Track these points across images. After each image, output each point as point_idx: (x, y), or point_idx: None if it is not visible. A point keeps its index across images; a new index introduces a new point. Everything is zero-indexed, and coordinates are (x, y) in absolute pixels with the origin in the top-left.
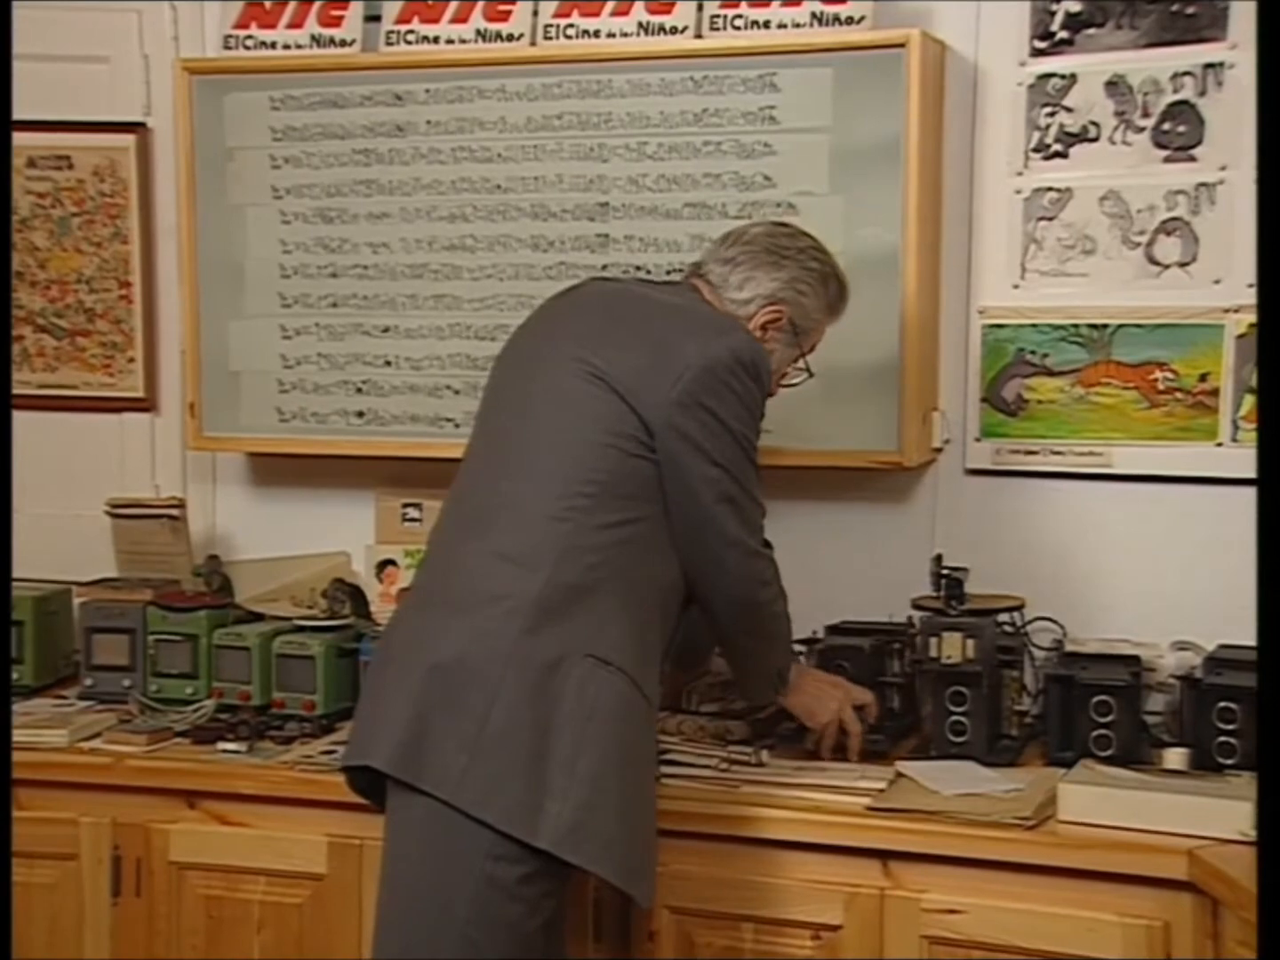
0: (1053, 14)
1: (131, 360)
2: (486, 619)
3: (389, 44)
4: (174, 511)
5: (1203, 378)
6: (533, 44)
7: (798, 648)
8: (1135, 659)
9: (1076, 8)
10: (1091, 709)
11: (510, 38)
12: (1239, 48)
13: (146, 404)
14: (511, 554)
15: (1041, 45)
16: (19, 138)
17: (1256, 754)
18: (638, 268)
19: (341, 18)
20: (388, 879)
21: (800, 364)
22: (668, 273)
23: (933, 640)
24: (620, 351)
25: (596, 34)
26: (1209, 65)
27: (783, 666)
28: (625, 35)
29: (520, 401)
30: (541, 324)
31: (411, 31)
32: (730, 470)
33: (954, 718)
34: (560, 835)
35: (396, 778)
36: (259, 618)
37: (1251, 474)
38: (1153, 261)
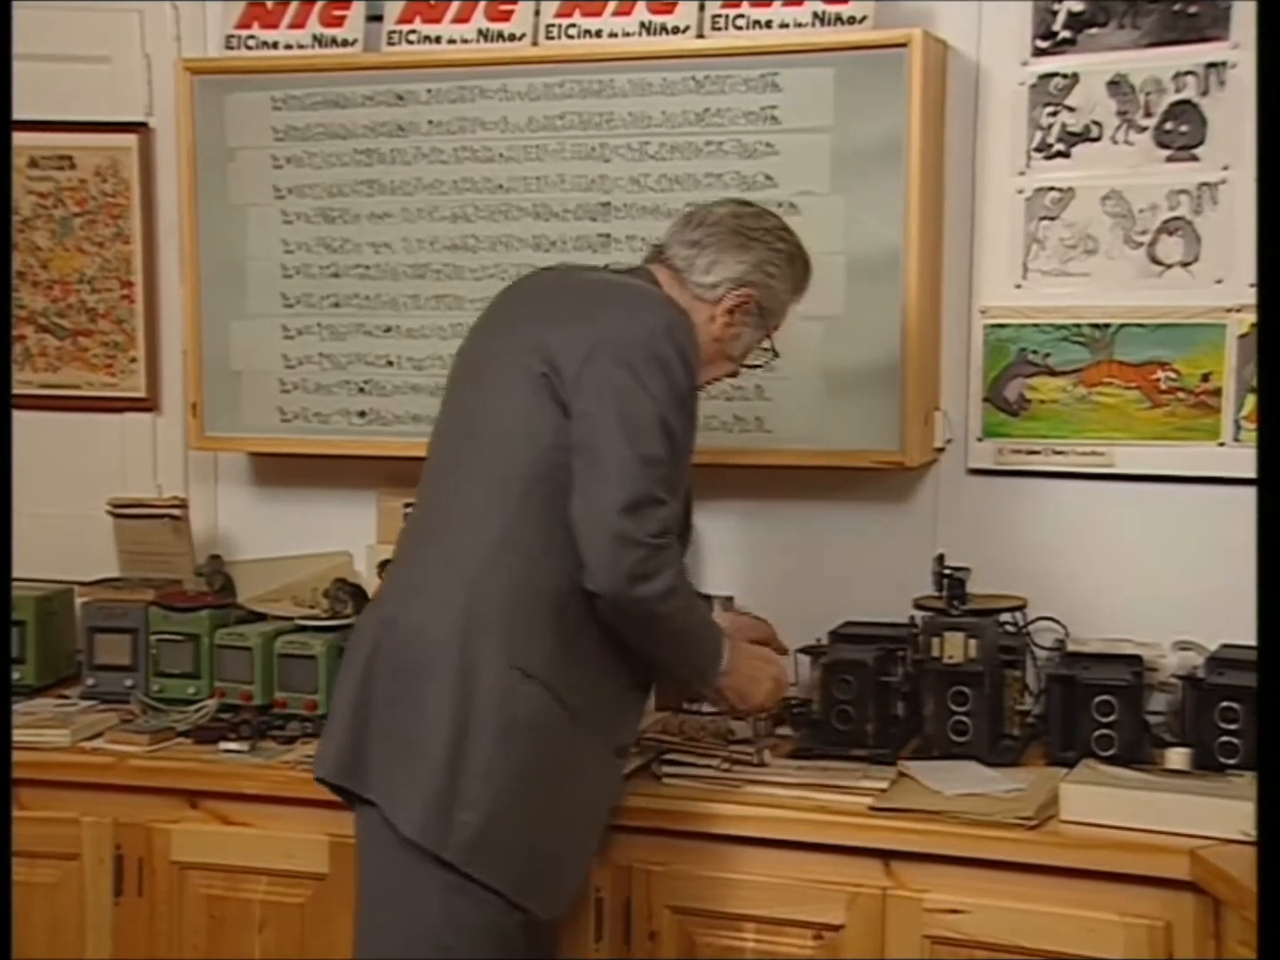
0: (1055, 13)
1: (133, 360)
2: (421, 623)
3: (390, 44)
4: (176, 511)
5: (1205, 377)
6: (534, 44)
7: (802, 656)
8: (1137, 659)
9: (1078, 7)
10: (1093, 709)
11: (512, 37)
12: (1241, 47)
13: (148, 404)
14: (452, 561)
15: (1043, 45)
16: (21, 138)
17: (1256, 754)
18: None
19: (343, 18)
20: (359, 887)
21: (765, 344)
22: None
23: (935, 640)
24: (562, 346)
25: (598, 34)
26: (1211, 65)
27: (696, 671)
28: (627, 35)
29: (468, 414)
30: (490, 323)
31: (413, 31)
32: (633, 443)
33: (956, 717)
34: (465, 849)
35: (343, 786)
36: (261, 617)
37: (1254, 474)
38: (1155, 261)
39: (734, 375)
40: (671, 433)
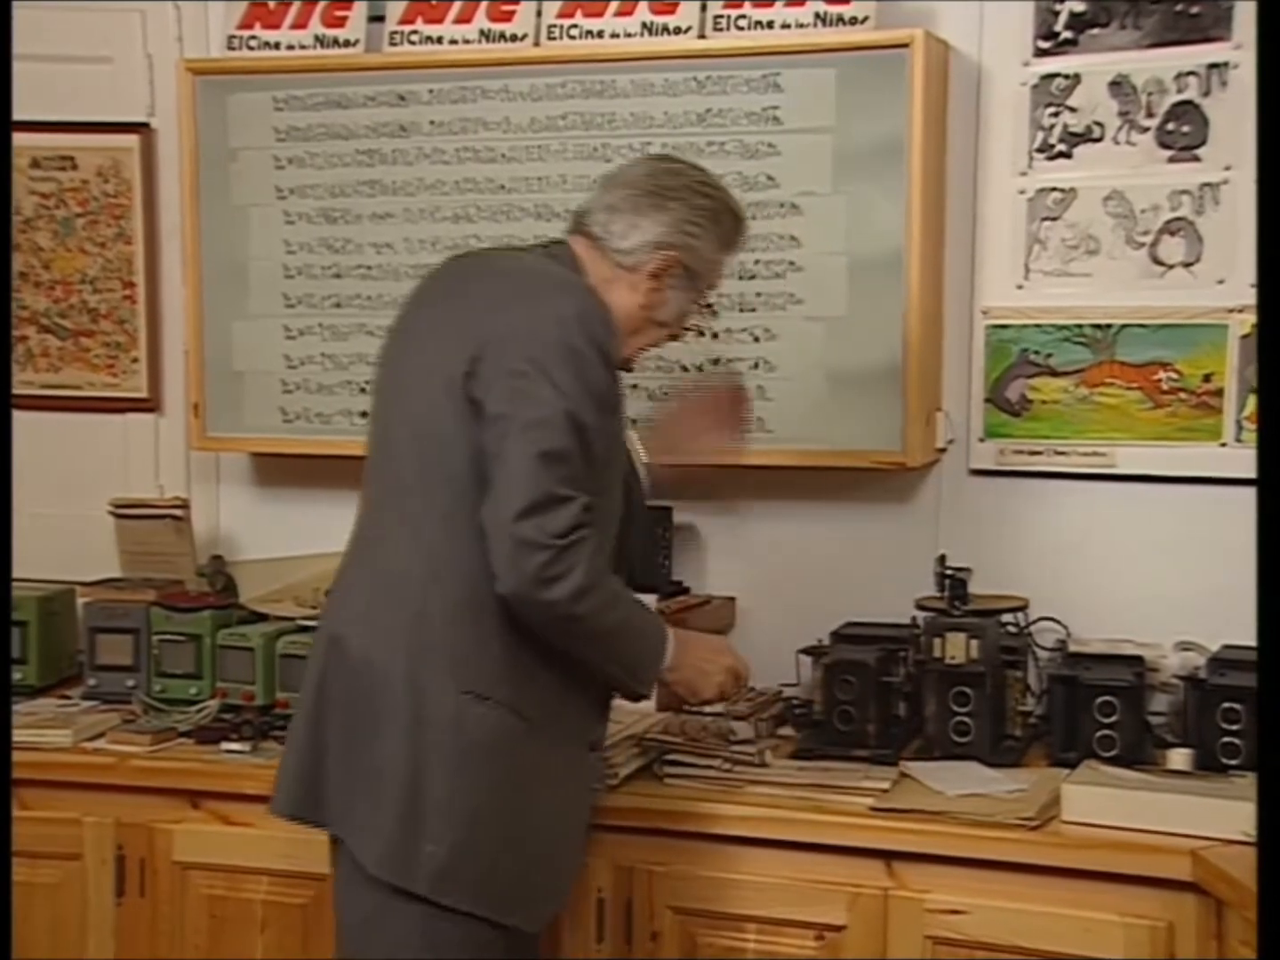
0: (1056, 14)
1: (135, 361)
2: (367, 648)
3: (392, 44)
4: (178, 512)
5: (1207, 378)
6: (536, 44)
7: (804, 656)
8: (1139, 659)
9: (1080, 7)
10: (1095, 709)
11: (514, 38)
12: (1243, 48)
13: (150, 404)
14: (393, 579)
15: (1045, 45)
16: (23, 138)
17: (1256, 754)
18: None
19: (345, 18)
20: (338, 921)
21: (701, 305)
22: None
23: (936, 640)
24: (477, 345)
25: (600, 34)
26: (1213, 65)
27: (630, 671)
28: (629, 36)
29: (399, 422)
30: (409, 322)
31: (415, 32)
32: (534, 442)
33: (958, 718)
34: (435, 879)
35: (302, 819)
36: (262, 618)
37: (1256, 474)
38: (1156, 261)
39: (674, 339)
40: (582, 427)
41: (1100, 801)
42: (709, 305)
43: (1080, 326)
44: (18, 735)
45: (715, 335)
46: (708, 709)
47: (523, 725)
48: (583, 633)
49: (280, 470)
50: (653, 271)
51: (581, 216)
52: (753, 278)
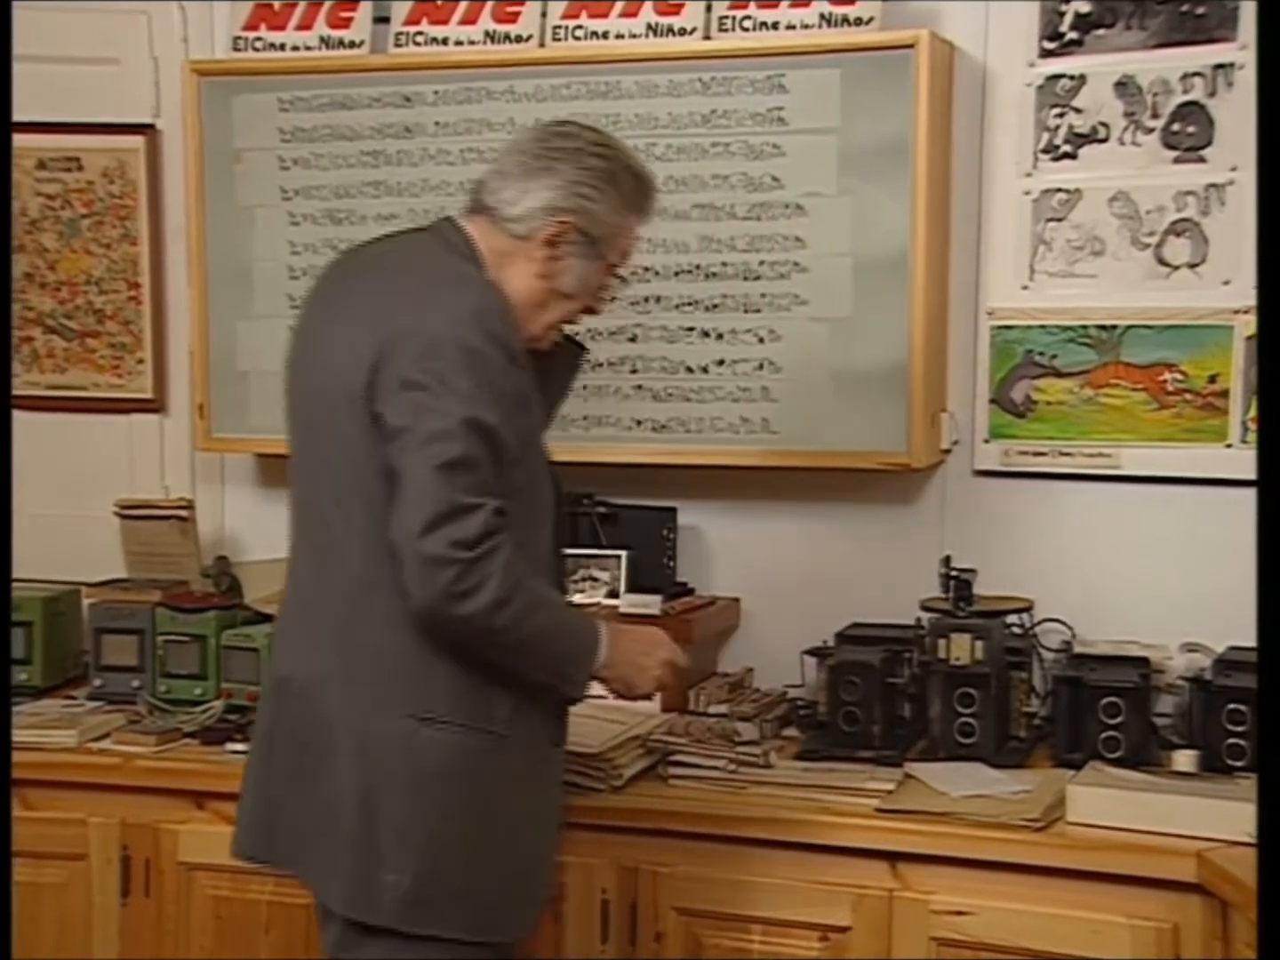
0: (1062, 14)
1: (140, 361)
2: (307, 685)
3: (398, 45)
4: (182, 512)
5: (1212, 379)
6: (541, 45)
7: (809, 657)
8: (1144, 661)
9: (1086, 8)
10: (1100, 711)
11: (519, 39)
12: (1249, 48)
13: (155, 405)
14: (323, 610)
15: (1050, 46)
16: (29, 139)
17: (1257, 754)
18: (645, 268)
19: (350, 19)
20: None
21: (610, 275)
22: (676, 274)
23: (941, 642)
24: (374, 356)
25: (605, 35)
26: (1219, 66)
27: (561, 676)
28: (634, 36)
29: (311, 442)
30: (309, 329)
31: (420, 33)
32: (432, 456)
33: (962, 719)
34: (401, 908)
35: (262, 861)
36: (267, 618)
37: None
38: (1162, 263)
39: (591, 312)
40: (487, 430)
41: (1105, 803)
42: (619, 274)
43: (1085, 327)
44: (23, 736)
45: (720, 336)
46: (711, 712)
47: (485, 741)
48: (505, 644)
49: (285, 471)
50: (547, 239)
51: (476, 190)
52: (758, 278)
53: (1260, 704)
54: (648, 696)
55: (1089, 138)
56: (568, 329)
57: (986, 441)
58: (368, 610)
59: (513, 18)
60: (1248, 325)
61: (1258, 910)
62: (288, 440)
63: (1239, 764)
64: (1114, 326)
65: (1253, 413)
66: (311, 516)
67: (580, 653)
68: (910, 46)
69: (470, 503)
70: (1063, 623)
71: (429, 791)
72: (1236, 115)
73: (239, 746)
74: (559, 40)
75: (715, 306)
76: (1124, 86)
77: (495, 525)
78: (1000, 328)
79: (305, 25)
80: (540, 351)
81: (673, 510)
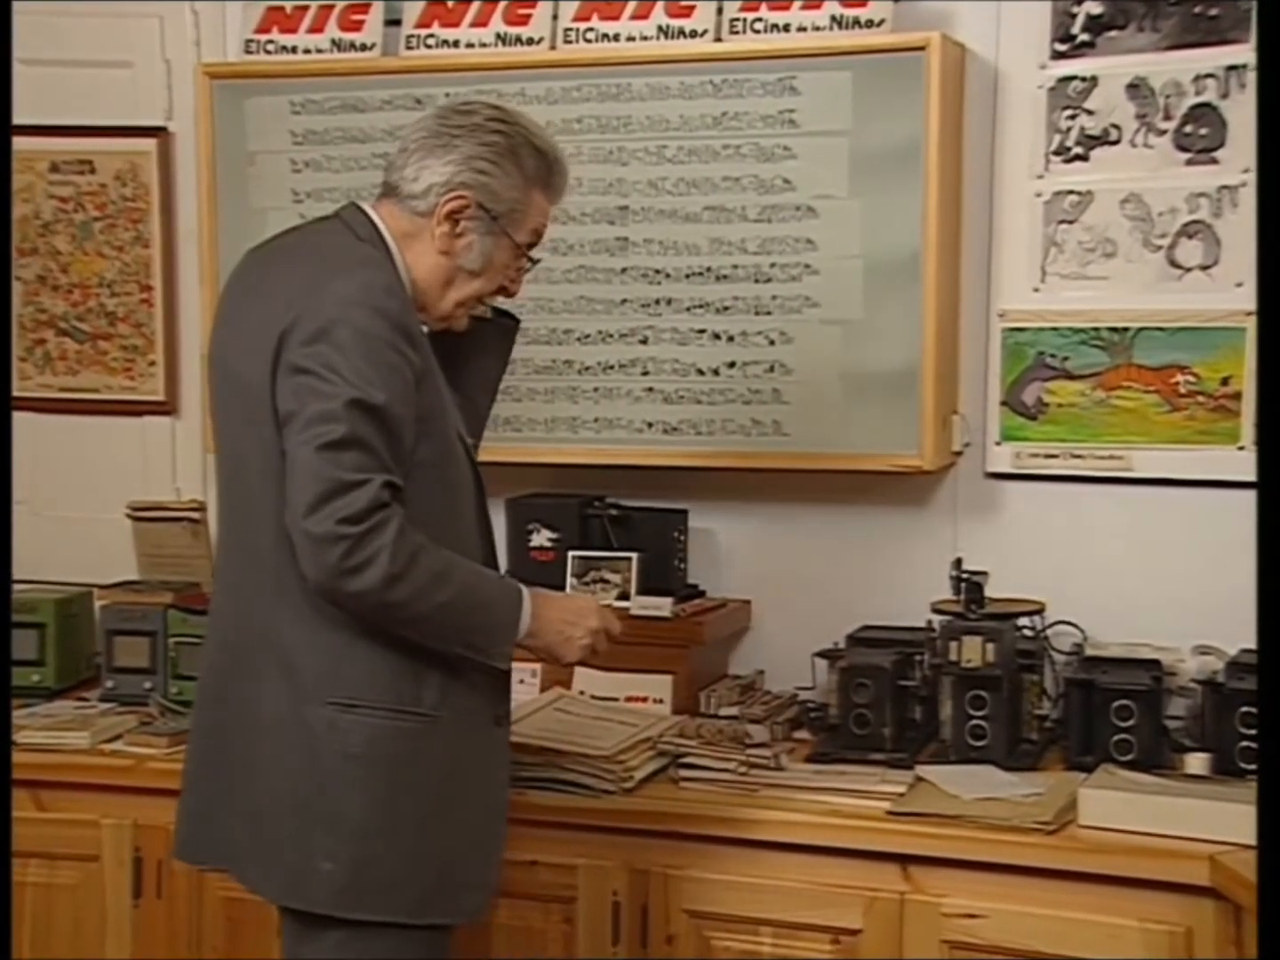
0: (1074, 16)
1: (152, 363)
2: (234, 672)
3: (409, 48)
4: (194, 514)
5: (1224, 381)
6: (552, 48)
7: (820, 660)
8: (1156, 663)
9: (1097, 10)
10: (1112, 713)
11: (530, 41)
12: None
13: (167, 407)
14: (243, 598)
15: (1062, 48)
16: (42, 142)
17: (1258, 754)
18: (656, 271)
19: (362, 22)
20: None
21: (523, 256)
22: (687, 276)
23: (952, 644)
24: (269, 346)
25: (616, 37)
26: (1231, 67)
27: (478, 649)
28: (645, 39)
29: (225, 435)
30: (221, 324)
31: (431, 35)
32: (315, 437)
33: (974, 722)
34: (337, 895)
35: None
36: None
37: None
38: (1174, 264)
39: (505, 293)
40: (373, 409)
41: (1117, 806)
42: (529, 254)
43: (1097, 329)
44: (36, 737)
45: (732, 338)
46: (722, 714)
47: (413, 724)
48: (407, 618)
49: None
50: (446, 214)
51: (385, 172)
52: (769, 280)
53: (1260, 703)
54: (577, 664)
55: (1101, 140)
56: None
57: (998, 444)
58: (286, 602)
59: (524, 20)
60: None
61: (1258, 910)
62: (214, 434)
63: (1252, 767)
64: (1126, 329)
65: None
66: (232, 509)
67: (496, 625)
68: (921, 49)
69: (355, 479)
70: (1074, 625)
71: (355, 778)
72: (1249, 117)
73: None
74: (570, 43)
75: (726, 309)
76: (1136, 88)
77: (382, 499)
78: (1012, 330)
79: (317, 28)
80: (469, 329)
81: (684, 512)
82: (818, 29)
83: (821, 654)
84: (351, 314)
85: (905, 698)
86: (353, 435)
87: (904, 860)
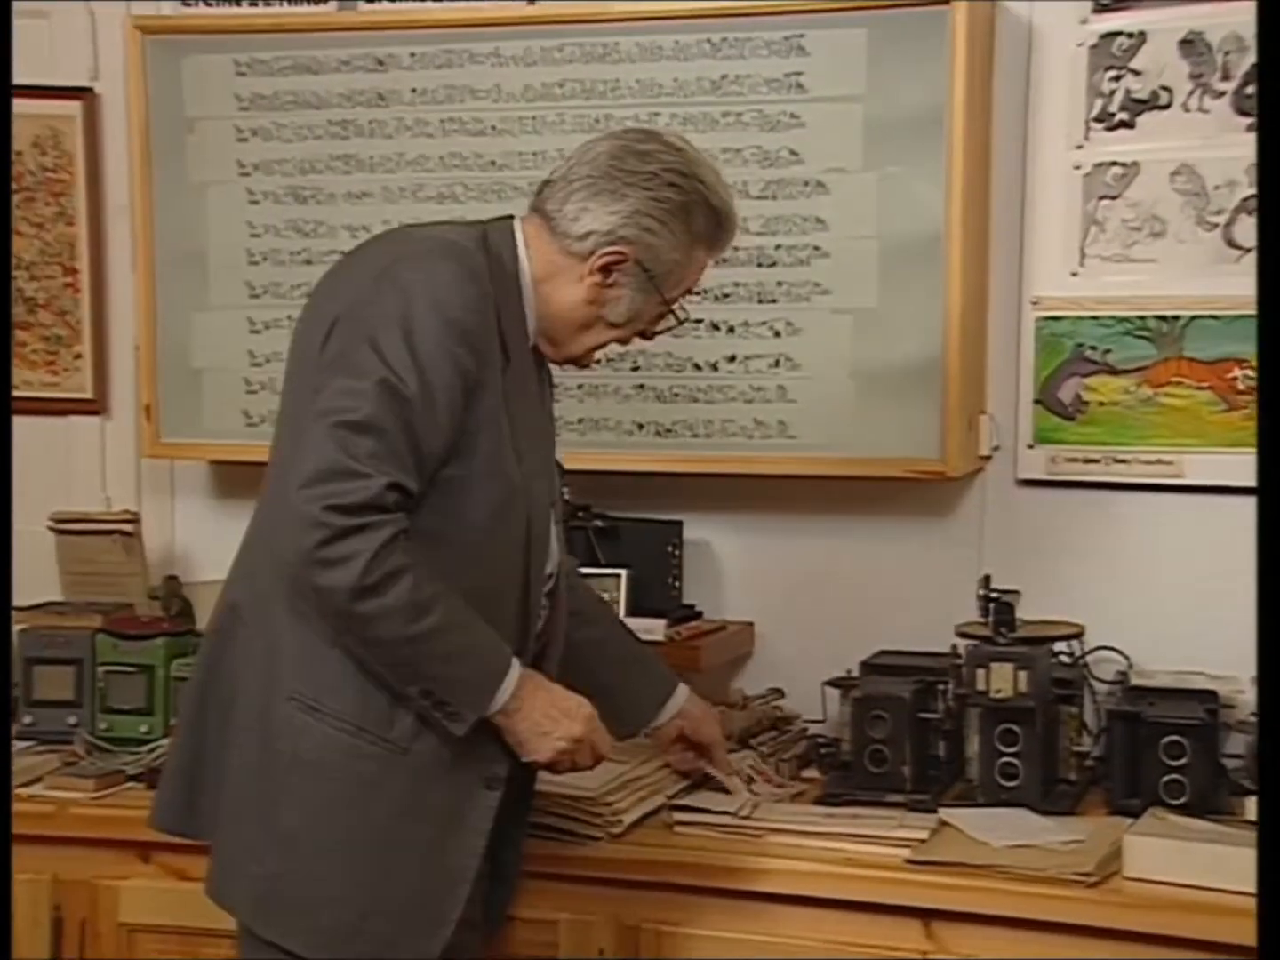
0: None
1: (79, 357)
2: (231, 648)
3: (369, 1)
4: (127, 527)
5: None
6: (530, 2)
7: (831, 689)
8: (1211, 694)
9: None
10: (1161, 750)
11: None
12: None
13: (95, 406)
14: (250, 576)
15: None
16: None
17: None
18: None
19: None
20: None
21: (668, 310)
22: None
23: (980, 672)
24: (329, 326)
25: None
26: None
27: (435, 703)
28: None
29: (283, 412)
30: (307, 307)
31: None
32: (336, 411)
33: (1004, 759)
34: (252, 903)
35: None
36: None
37: None
38: (1232, 245)
39: (625, 342)
40: (403, 399)
41: (1167, 855)
42: (674, 313)
43: (1143, 319)
44: None
45: (732, 329)
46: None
47: (376, 748)
48: (369, 638)
49: (243, 480)
50: (600, 265)
51: (542, 188)
52: (773, 265)
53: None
54: (546, 768)
55: (1149, 104)
56: None
57: (1031, 447)
58: (276, 593)
59: None
60: None
61: (1258, 911)
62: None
63: None
64: (1176, 317)
65: None
66: (264, 488)
67: (464, 685)
68: (945, 3)
69: (359, 468)
70: (1118, 651)
71: (298, 784)
72: None
73: None
74: None
75: (725, 296)
76: (1190, 45)
77: (384, 501)
78: (1046, 319)
79: None
80: None
81: (678, 524)
82: None
83: (833, 683)
84: (407, 299)
85: (927, 732)
86: (374, 420)
87: (926, 915)
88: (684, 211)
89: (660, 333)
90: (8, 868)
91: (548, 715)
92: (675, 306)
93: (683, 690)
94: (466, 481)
